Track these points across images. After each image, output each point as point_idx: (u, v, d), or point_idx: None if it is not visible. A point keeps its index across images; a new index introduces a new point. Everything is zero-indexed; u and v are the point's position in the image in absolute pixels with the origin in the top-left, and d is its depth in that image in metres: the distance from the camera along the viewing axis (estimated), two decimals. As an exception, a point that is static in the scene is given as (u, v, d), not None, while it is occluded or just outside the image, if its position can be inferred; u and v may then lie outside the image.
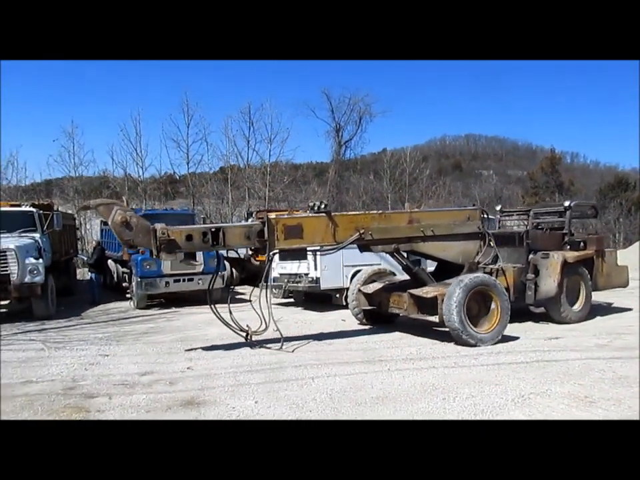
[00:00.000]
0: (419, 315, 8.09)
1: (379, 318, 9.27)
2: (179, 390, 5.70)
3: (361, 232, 7.80)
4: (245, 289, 16.22)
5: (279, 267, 12.09)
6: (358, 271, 10.04)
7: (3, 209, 12.42)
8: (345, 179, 38.35)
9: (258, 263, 14.68)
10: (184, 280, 12.52)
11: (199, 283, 12.59)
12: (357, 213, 9.70)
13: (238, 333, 7.83)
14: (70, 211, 21.69)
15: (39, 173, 34.59)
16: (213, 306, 7.86)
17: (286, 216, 9.10)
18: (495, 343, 7.42)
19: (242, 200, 31.53)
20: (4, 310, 12.42)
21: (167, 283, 12.36)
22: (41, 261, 10.91)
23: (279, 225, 7.51)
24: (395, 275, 9.61)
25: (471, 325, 7.35)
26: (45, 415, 4.93)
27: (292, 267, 11.61)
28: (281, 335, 7.63)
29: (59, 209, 16.45)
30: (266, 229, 7.38)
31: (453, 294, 7.34)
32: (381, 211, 8.96)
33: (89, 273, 14.89)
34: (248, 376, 6.19)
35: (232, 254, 12.33)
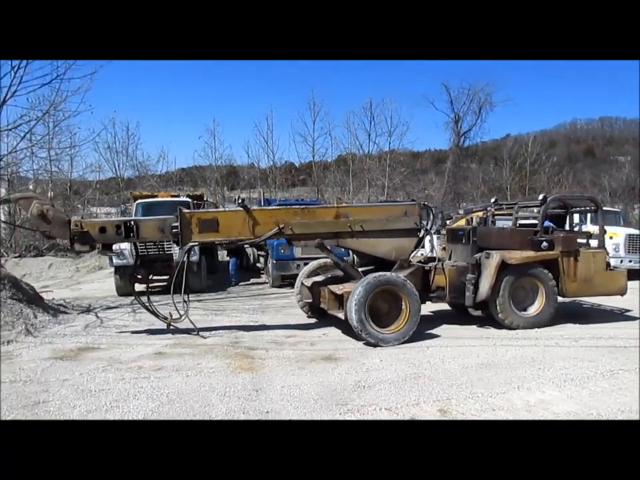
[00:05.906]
0: (337, 310, 7.89)
1: (320, 311, 8.95)
2: (318, 349, 7.16)
3: (281, 226, 7.84)
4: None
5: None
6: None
7: (164, 199, 14.96)
8: (463, 169, 38.23)
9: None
10: (312, 263, 14.11)
11: (325, 267, 14.15)
12: (279, 207, 9.66)
13: (162, 320, 8.31)
14: (211, 199, 24.57)
15: (185, 165, 39.05)
16: (137, 297, 8.82)
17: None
18: (402, 343, 7.26)
19: (362, 188, 32.99)
20: (166, 283, 14.95)
21: (298, 265, 13.95)
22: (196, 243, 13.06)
23: (194, 219, 7.70)
24: None
25: (372, 324, 7.22)
26: (222, 358, 6.66)
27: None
28: (194, 325, 8.06)
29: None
30: (179, 222, 7.56)
31: (354, 292, 7.26)
32: (304, 206, 8.94)
33: (227, 257, 16.73)
34: (373, 342, 7.47)
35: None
